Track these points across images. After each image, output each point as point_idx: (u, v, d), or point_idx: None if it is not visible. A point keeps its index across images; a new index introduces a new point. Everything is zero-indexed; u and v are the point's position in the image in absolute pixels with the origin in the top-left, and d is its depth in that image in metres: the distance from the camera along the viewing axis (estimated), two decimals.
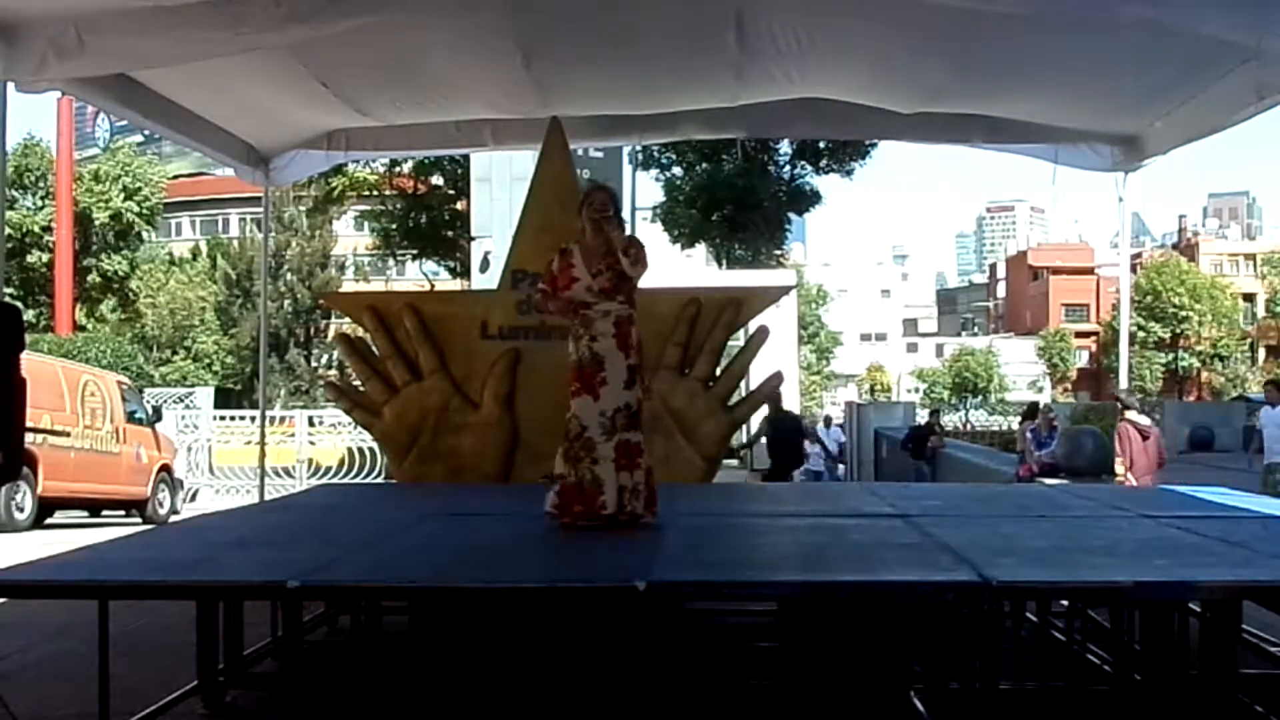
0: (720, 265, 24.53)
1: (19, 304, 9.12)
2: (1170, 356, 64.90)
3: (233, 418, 22.21)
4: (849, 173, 24.57)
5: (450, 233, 22.86)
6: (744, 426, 11.46)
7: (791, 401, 18.67)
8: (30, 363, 6.32)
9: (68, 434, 13.94)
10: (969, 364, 71.73)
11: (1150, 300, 63.04)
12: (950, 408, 54.52)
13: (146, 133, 34.20)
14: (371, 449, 18.28)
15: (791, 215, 26.44)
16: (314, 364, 38.69)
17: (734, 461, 15.23)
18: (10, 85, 6.23)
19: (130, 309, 41.43)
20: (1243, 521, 5.39)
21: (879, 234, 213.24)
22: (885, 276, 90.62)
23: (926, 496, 7.01)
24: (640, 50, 7.41)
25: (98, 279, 39.67)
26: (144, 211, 40.01)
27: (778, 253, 26.91)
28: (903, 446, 19.71)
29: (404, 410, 7.88)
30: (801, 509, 6.35)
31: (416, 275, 28.31)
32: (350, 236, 40.85)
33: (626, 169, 23.03)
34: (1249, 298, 72.09)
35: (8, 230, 15.24)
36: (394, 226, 23.47)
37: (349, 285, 39.57)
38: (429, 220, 23.02)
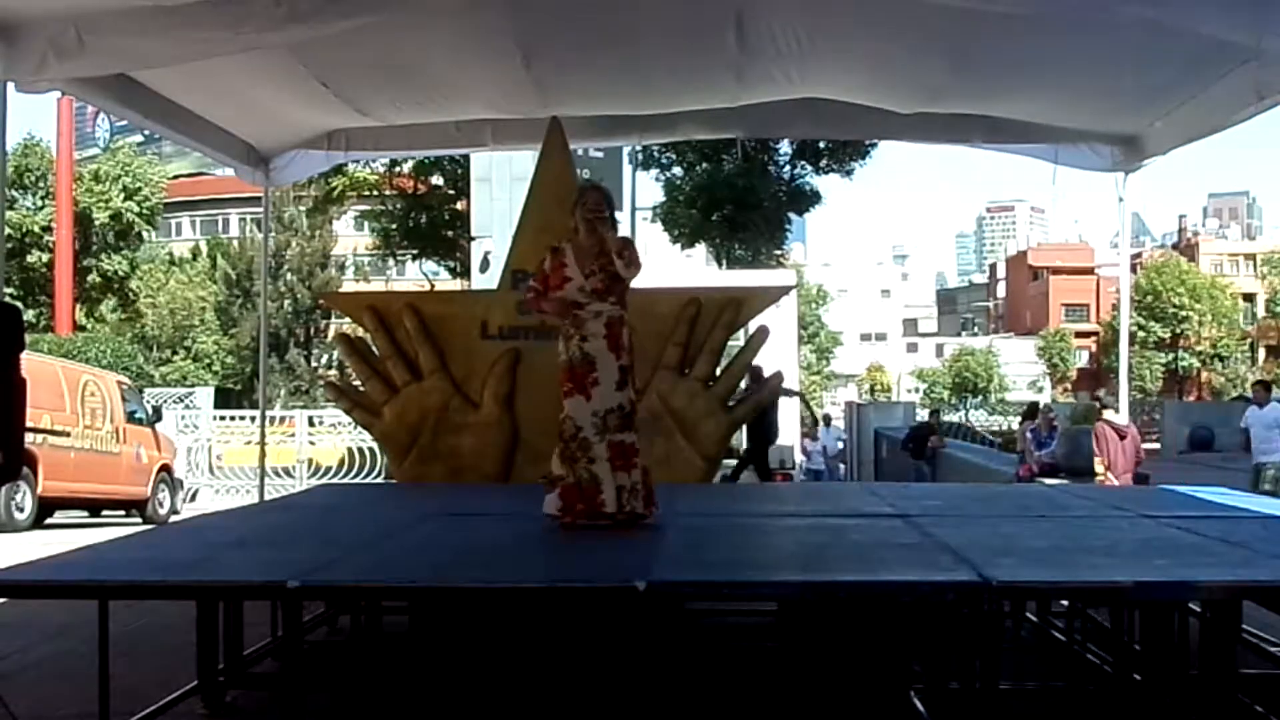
0: (720, 265, 24.52)
1: (19, 304, 9.11)
2: (1170, 356, 64.91)
3: (233, 418, 22.22)
4: (849, 173, 24.56)
5: (450, 233, 22.85)
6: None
7: (791, 403, 18.67)
8: (30, 363, 6.32)
9: (68, 434, 13.94)
10: (969, 364, 71.76)
11: (1150, 300, 63.04)
12: (950, 408, 54.54)
13: (146, 133, 34.23)
14: (371, 449, 18.28)
15: (791, 215, 26.42)
16: (314, 364, 38.68)
17: (733, 461, 15.19)
18: (10, 85, 6.22)
19: (130, 309, 41.43)
20: (1243, 521, 5.40)
21: (879, 234, 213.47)
22: (885, 276, 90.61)
23: (926, 496, 7.01)
24: (640, 50, 7.41)
25: (98, 279, 39.68)
26: (144, 211, 40.02)
27: (778, 253, 26.89)
28: (903, 446, 19.72)
29: (404, 410, 7.88)
30: (801, 509, 6.35)
31: (416, 275, 28.29)
32: (350, 236, 40.85)
33: (626, 169, 23.02)
34: (1249, 298, 72.09)
35: (8, 230, 15.23)
36: (394, 226, 23.46)
37: (349, 285, 39.57)
38: (429, 220, 23.01)
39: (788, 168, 24.71)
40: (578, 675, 4.66)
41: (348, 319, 10.99)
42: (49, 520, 14.28)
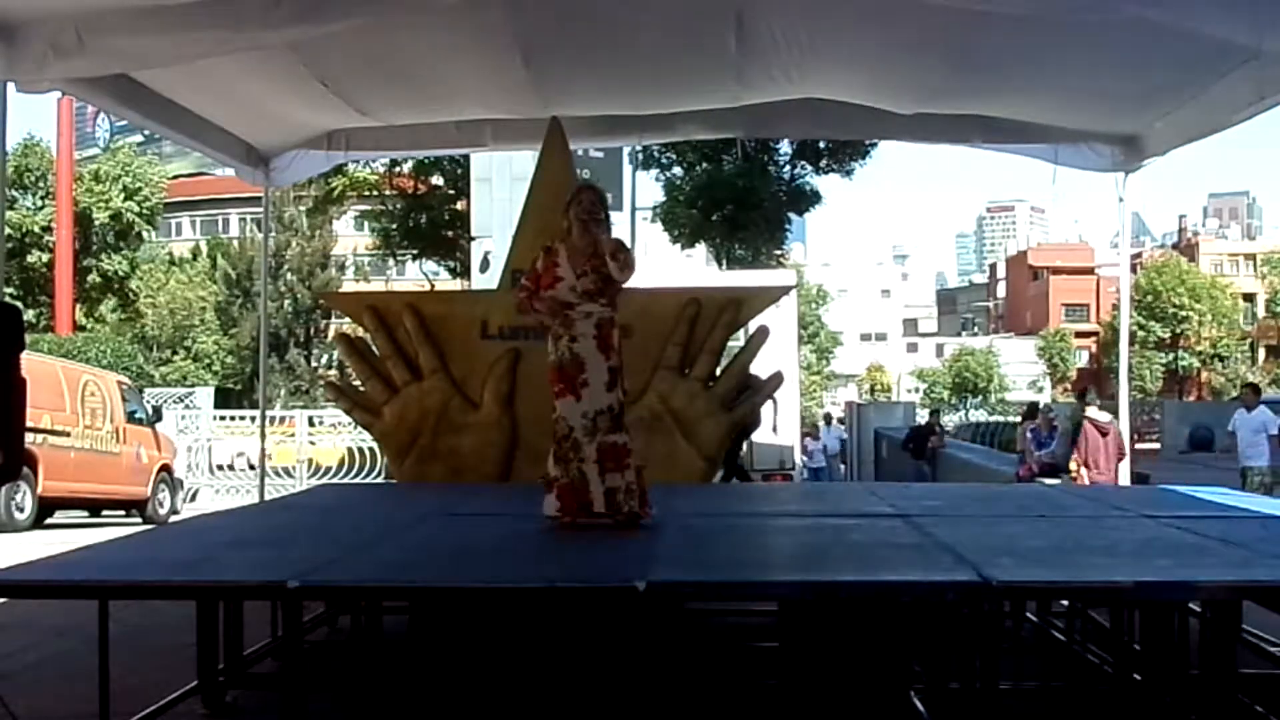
0: (720, 265, 24.49)
1: (19, 304, 9.11)
2: (1170, 356, 64.90)
3: (233, 418, 22.22)
4: (849, 173, 24.53)
5: (450, 233, 22.85)
6: None
7: (791, 402, 18.65)
8: (30, 363, 6.31)
9: (68, 434, 13.94)
10: (969, 364, 71.73)
11: (1150, 300, 63.02)
12: (950, 408, 54.53)
13: (146, 133, 34.24)
14: (371, 449, 18.27)
15: (791, 215, 26.39)
16: (314, 364, 38.71)
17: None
18: (10, 85, 6.22)
19: (130, 309, 41.43)
20: (1243, 521, 5.40)
21: (879, 234, 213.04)
22: (885, 276, 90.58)
23: (926, 496, 7.01)
24: (640, 50, 7.41)
25: (98, 279, 39.68)
26: (144, 211, 40.03)
27: (778, 253, 26.86)
28: (903, 446, 19.73)
29: (404, 410, 7.88)
30: (801, 509, 6.35)
31: (416, 275, 28.29)
32: (350, 236, 40.86)
33: (626, 169, 23.00)
34: (1249, 298, 72.08)
35: (8, 230, 15.23)
36: (394, 226, 23.46)
37: (349, 285, 39.59)
38: (429, 220, 23.01)
39: (788, 168, 24.69)
40: (578, 675, 4.66)
41: (348, 319, 10.99)
42: (49, 520, 14.28)
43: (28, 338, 5.16)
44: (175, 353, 41.21)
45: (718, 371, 7.93)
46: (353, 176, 23.14)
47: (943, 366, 74.95)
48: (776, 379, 8.12)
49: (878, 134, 12.52)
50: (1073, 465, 11.09)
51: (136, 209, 39.55)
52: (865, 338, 79.77)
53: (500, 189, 17.63)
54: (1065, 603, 5.52)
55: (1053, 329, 74.52)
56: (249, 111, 8.42)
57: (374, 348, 8.19)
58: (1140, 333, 59.37)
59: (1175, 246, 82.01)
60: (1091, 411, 11.21)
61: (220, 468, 20.24)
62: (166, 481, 16.50)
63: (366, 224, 28.61)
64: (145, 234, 41.97)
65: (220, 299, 41.39)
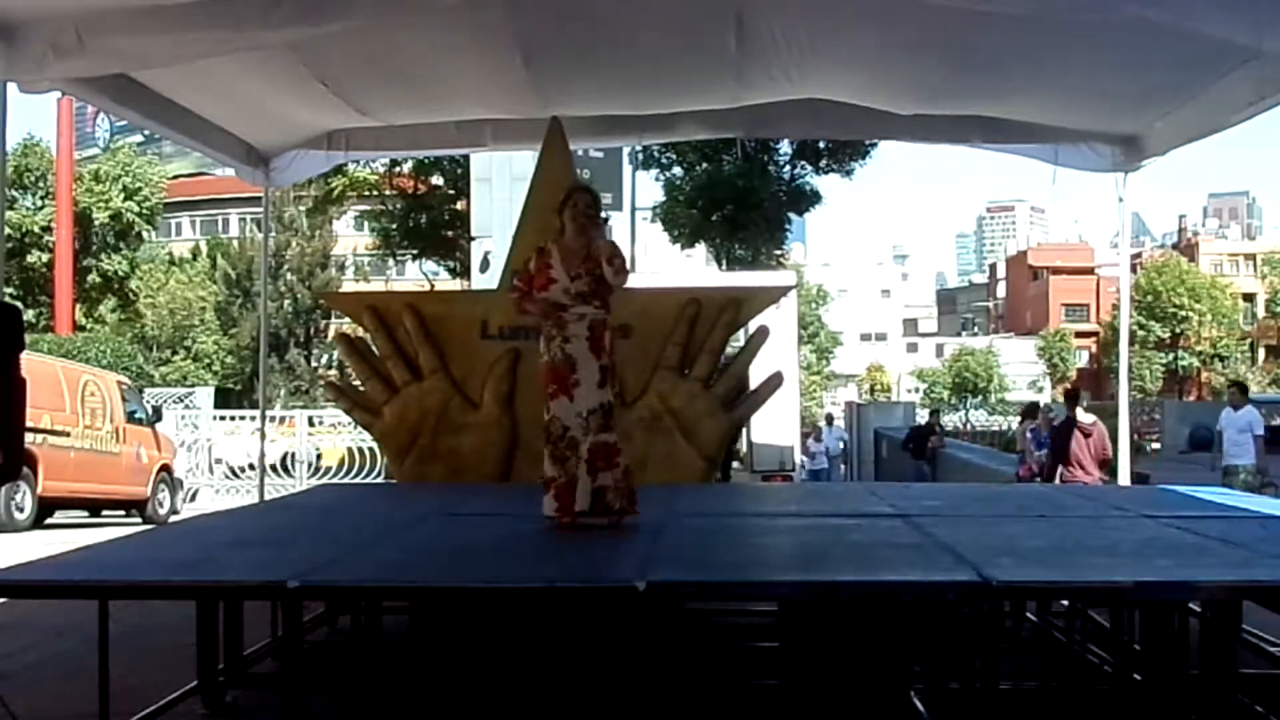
0: (720, 265, 24.50)
1: (19, 304, 9.11)
2: (1170, 356, 64.90)
3: (233, 418, 22.22)
4: (849, 173, 24.54)
5: (450, 233, 22.85)
6: None
7: (791, 403, 18.65)
8: (30, 363, 6.32)
9: (68, 434, 13.94)
10: (969, 364, 71.71)
11: (1150, 300, 63.02)
12: (950, 408, 54.51)
13: (146, 133, 34.22)
14: (371, 449, 18.28)
15: (791, 215, 26.39)
16: (314, 364, 38.71)
17: (735, 463, 15.21)
18: (11, 85, 6.22)
19: (130, 309, 41.43)
20: (1243, 521, 5.40)
21: (879, 234, 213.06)
22: (885, 276, 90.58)
23: (926, 496, 7.01)
24: (640, 50, 7.41)
25: (98, 279, 39.67)
26: (144, 211, 40.02)
27: (778, 253, 26.86)
28: (903, 446, 19.74)
29: (404, 410, 7.88)
30: (801, 509, 6.35)
31: (416, 275, 28.30)
32: (350, 236, 40.87)
33: (626, 169, 23.01)
34: (1249, 298, 72.08)
35: (8, 230, 15.23)
36: (394, 226, 23.46)
37: (349, 285, 39.60)
38: (429, 220, 23.01)
39: (788, 168, 24.69)
40: (578, 675, 4.66)
41: (348, 319, 10.98)
42: (49, 520, 14.28)
43: (28, 338, 5.16)
44: (175, 353, 41.21)
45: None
46: (353, 176, 23.14)
47: (943, 366, 74.95)
48: (776, 379, 8.12)
49: (878, 134, 12.52)
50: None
51: (136, 209, 39.54)
52: (865, 338, 79.79)
53: (500, 189, 17.63)
54: (1065, 603, 5.52)
55: (1053, 329, 74.52)
56: (249, 111, 8.41)
57: (374, 348, 8.19)
58: (1140, 333, 59.37)
59: (1175, 246, 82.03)
60: (1077, 413, 11.28)
61: (235, 471, 20.07)
62: (166, 481, 16.50)
63: (366, 224, 28.61)
64: (145, 234, 41.95)
65: (220, 299, 41.40)
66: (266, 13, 5.84)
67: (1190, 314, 64.48)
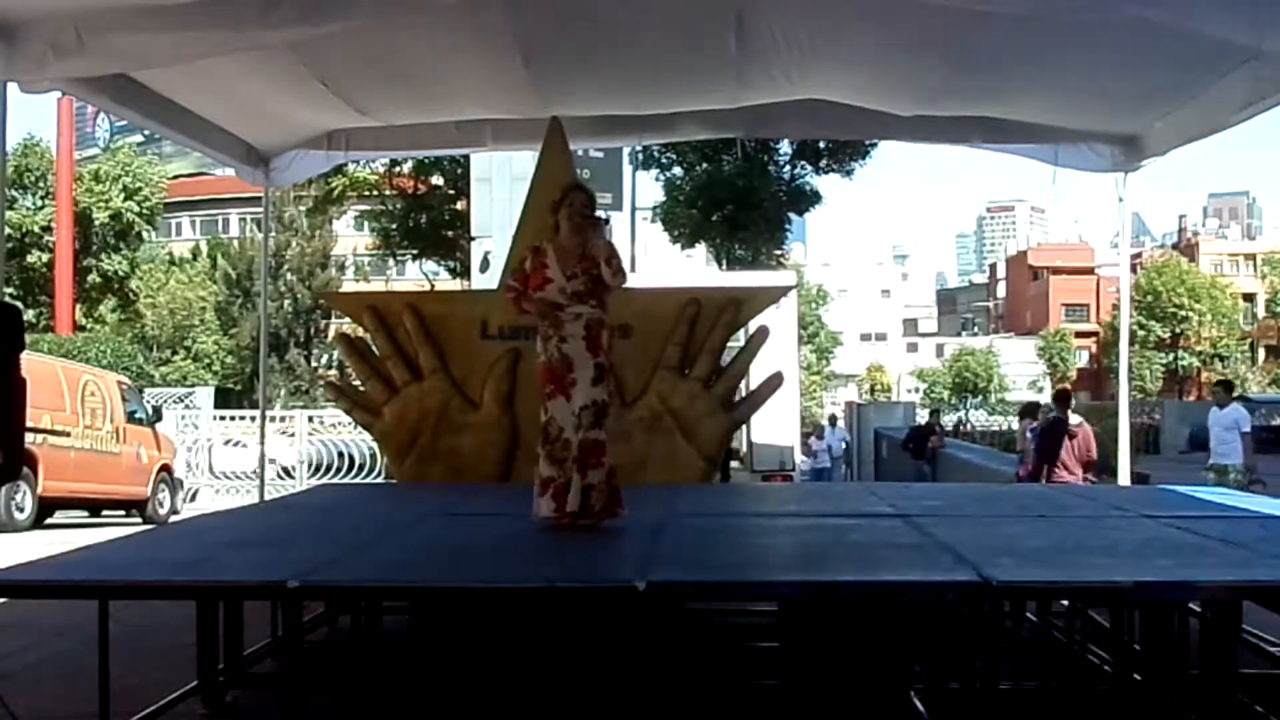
0: (720, 265, 24.49)
1: (19, 304, 9.11)
2: (1170, 356, 64.93)
3: (233, 418, 22.21)
4: (849, 173, 24.53)
5: (450, 233, 22.85)
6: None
7: (791, 403, 18.66)
8: (30, 363, 6.32)
9: (68, 434, 13.94)
10: (969, 364, 71.76)
11: (1150, 300, 63.04)
12: (950, 408, 54.54)
13: (146, 133, 34.22)
14: (372, 449, 18.26)
15: (791, 215, 26.37)
16: (314, 364, 38.72)
17: (735, 463, 15.21)
18: (11, 85, 6.22)
19: (130, 309, 41.43)
20: (1243, 521, 5.40)
21: (879, 234, 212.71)
22: (885, 276, 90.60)
23: (926, 496, 7.01)
24: (640, 50, 7.40)
25: (98, 279, 39.68)
26: (144, 211, 40.03)
27: (778, 253, 26.85)
28: (903, 446, 19.74)
29: (404, 410, 7.88)
30: (802, 509, 6.35)
31: (416, 275, 28.30)
32: (350, 236, 40.87)
33: (626, 169, 23.01)
34: (1249, 298, 72.10)
35: (8, 230, 15.22)
36: (394, 226, 23.45)
37: (349, 285, 39.60)
38: (429, 220, 23.00)
39: (788, 168, 24.68)
40: (578, 675, 4.66)
41: (348, 319, 10.98)
42: (49, 520, 14.28)
43: (28, 338, 5.16)
44: (175, 353, 41.22)
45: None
46: (353, 176, 23.13)
47: (943, 366, 74.98)
48: (776, 379, 8.12)
49: (878, 134, 12.51)
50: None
51: (136, 209, 39.55)
52: (865, 338, 79.81)
53: (500, 189, 17.62)
54: (1065, 603, 5.52)
55: (1053, 329, 74.53)
56: (249, 111, 8.41)
57: (374, 348, 8.19)
58: (1140, 333, 59.38)
59: (1175, 246, 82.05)
60: (1061, 414, 11.36)
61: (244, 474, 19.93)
62: (166, 481, 16.50)
63: (366, 224, 28.60)
64: (145, 234, 41.96)
65: (220, 299, 41.40)
66: (266, 13, 5.83)
67: (1190, 314, 64.50)
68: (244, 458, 19.36)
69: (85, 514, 15.62)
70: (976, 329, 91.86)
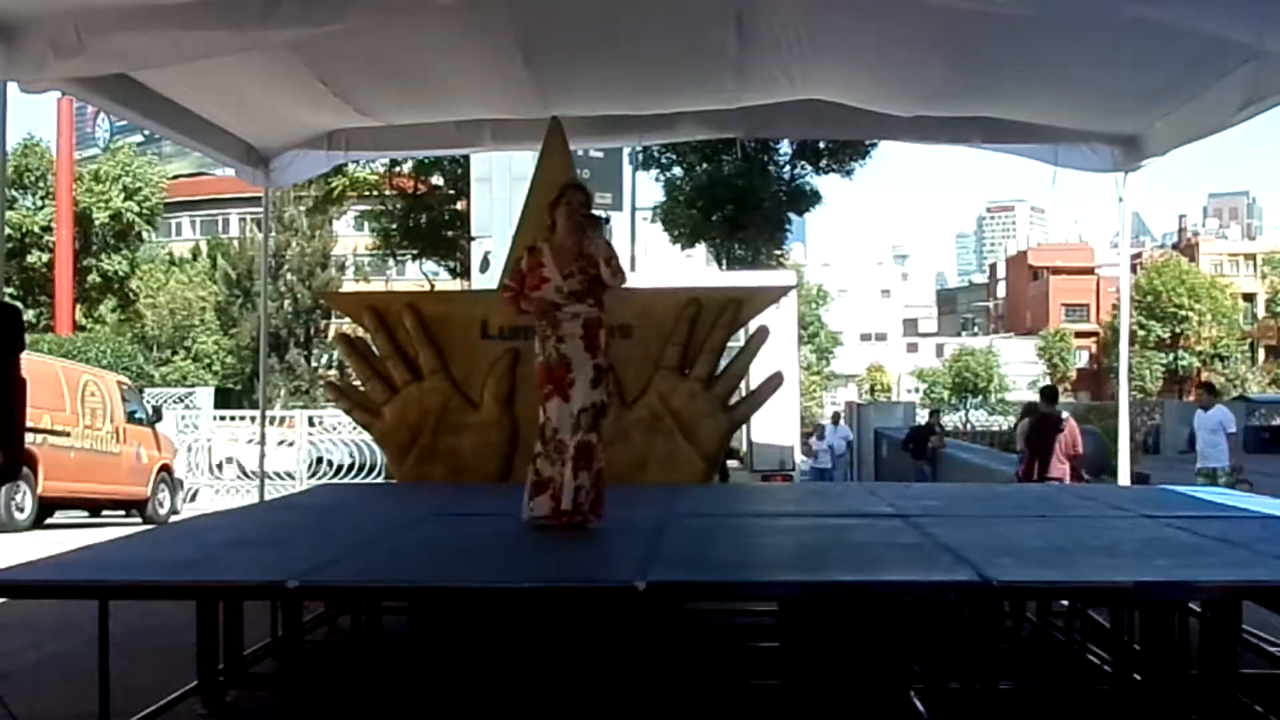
0: (720, 265, 24.49)
1: (19, 304, 9.11)
2: (1170, 356, 64.91)
3: (233, 418, 22.21)
4: (849, 173, 24.52)
5: (450, 233, 22.83)
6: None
7: (791, 403, 18.65)
8: (30, 363, 6.31)
9: (68, 434, 13.94)
10: (969, 364, 71.69)
11: (1150, 300, 63.02)
12: (950, 408, 54.51)
13: (146, 133, 34.20)
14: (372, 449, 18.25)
15: (791, 215, 26.37)
16: (314, 364, 38.70)
17: (734, 462, 15.21)
18: (11, 85, 6.22)
19: (130, 309, 41.42)
20: (1243, 521, 5.40)
21: (879, 234, 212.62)
22: (885, 276, 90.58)
23: (926, 496, 7.01)
24: (640, 50, 7.40)
25: (98, 279, 39.67)
26: (144, 211, 40.01)
27: (778, 253, 26.85)
28: (903, 446, 19.73)
29: (404, 410, 7.88)
30: (802, 509, 6.35)
31: (416, 275, 28.28)
32: (350, 236, 40.85)
33: (626, 169, 23.01)
34: (1249, 298, 72.08)
35: (8, 230, 15.23)
36: (394, 226, 23.44)
37: (349, 285, 39.57)
38: (429, 220, 22.99)
39: (788, 168, 24.68)
40: (578, 675, 4.66)
41: (348, 319, 10.98)
42: (49, 520, 14.28)
43: (28, 338, 5.16)
44: (175, 353, 41.19)
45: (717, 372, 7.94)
46: (353, 176, 23.11)
47: (943, 366, 74.92)
48: (776, 379, 8.12)
49: (878, 134, 12.51)
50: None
51: (136, 209, 39.53)
52: (865, 338, 79.79)
53: (500, 189, 17.62)
54: (1065, 603, 5.52)
55: (1053, 329, 74.50)
56: (249, 111, 8.41)
57: (374, 348, 8.19)
58: (1140, 333, 59.37)
59: (1175, 246, 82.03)
60: (1049, 410, 11.45)
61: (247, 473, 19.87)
62: (166, 481, 16.49)
63: (366, 224, 28.59)
64: (145, 234, 41.95)
65: (220, 299, 41.38)
66: (266, 13, 5.84)
67: (1190, 314, 64.48)
68: (288, 457, 19.47)
69: (85, 514, 15.62)
70: (976, 329, 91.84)
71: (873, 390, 69.79)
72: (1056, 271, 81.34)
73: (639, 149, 21.30)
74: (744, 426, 12.19)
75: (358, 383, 8.39)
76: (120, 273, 40.24)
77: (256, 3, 5.84)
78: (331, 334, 37.15)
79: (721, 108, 8.52)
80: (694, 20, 6.95)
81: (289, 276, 38.03)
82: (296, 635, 4.35)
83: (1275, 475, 13.84)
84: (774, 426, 15.37)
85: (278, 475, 18.36)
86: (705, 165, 23.61)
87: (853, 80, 7.99)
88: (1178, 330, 64.92)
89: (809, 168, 24.53)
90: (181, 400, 21.49)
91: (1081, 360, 73.17)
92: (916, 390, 68.31)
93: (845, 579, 3.87)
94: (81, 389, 14.63)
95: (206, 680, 4.67)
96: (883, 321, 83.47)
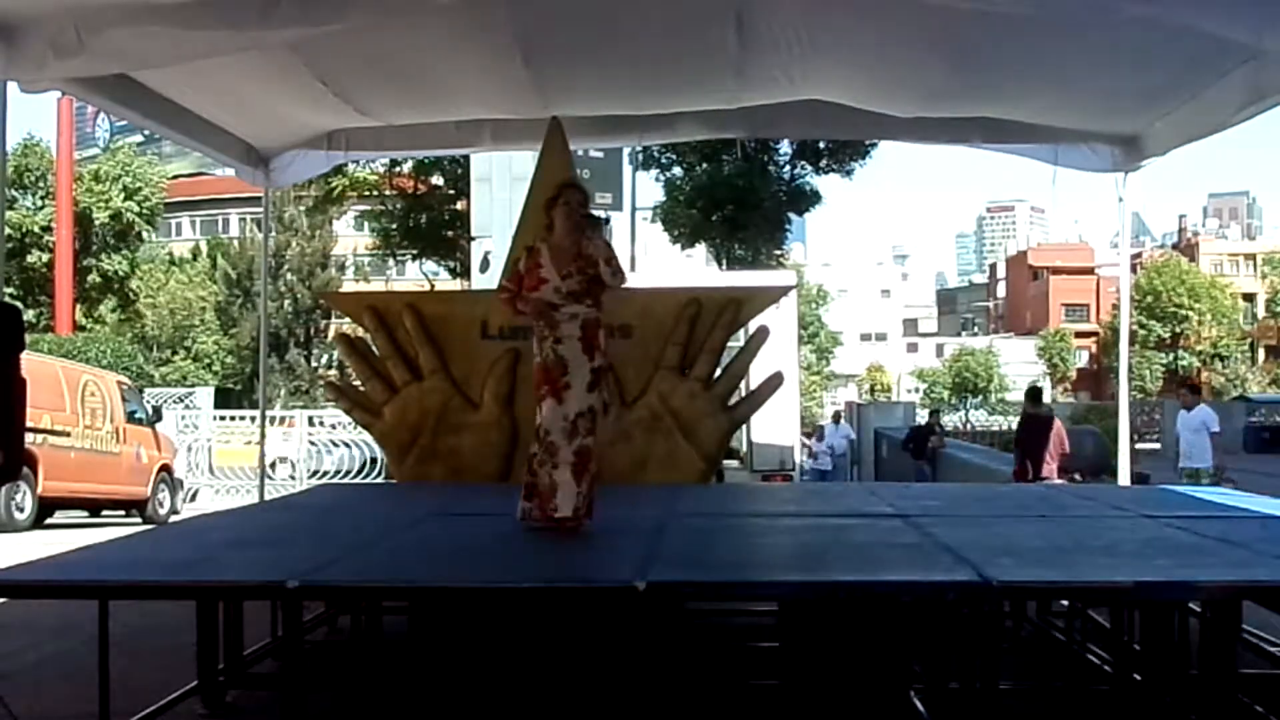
0: (720, 265, 24.48)
1: (19, 304, 9.11)
2: (1170, 356, 64.89)
3: (233, 418, 22.21)
4: (849, 173, 24.51)
5: (450, 233, 22.83)
6: None
7: (791, 402, 18.63)
8: (30, 363, 6.32)
9: (68, 434, 13.94)
10: (969, 364, 71.68)
11: (1150, 300, 63.02)
12: (950, 408, 54.51)
13: (146, 133, 34.20)
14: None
15: (791, 215, 26.36)
16: (314, 364, 38.70)
17: (734, 462, 15.19)
18: (11, 85, 6.22)
19: (130, 309, 41.42)
20: (1243, 521, 5.40)
21: (879, 234, 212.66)
22: (885, 276, 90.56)
23: (926, 496, 7.02)
24: (640, 50, 7.40)
25: (98, 279, 39.68)
26: (144, 211, 40.02)
27: (778, 253, 26.85)
28: (903, 446, 19.73)
29: (404, 410, 7.88)
30: (802, 509, 6.35)
31: (416, 275, 28.28)
32: (350, 236, 40.85)
33: (626, 169, 23.00)
34: (1249, 298, 72.07)
35: (8, 230, 15.22)
36: (394, 226, 23.43)
37: (349, 285, 39.57)
38: (429, 220, 22.98)
39: (788, 168, 24.68)
40: (577, 675, 4.66)
41: (348, 319, 10.98)
42: (49, 520, 14.28)
43: (28, 338, 5.16)
44: (175, 353, 41.20)
45: (718, 372, 7.94)
46: (353, 176, 23.11)
47: (943, 366, 74.90)
48: (776, 379, 8.12)
49: (878, 134, 12.50)
50: None
51: (136, 209, 39.54)
52: (865, 338, 79.76)
53: (500, 189, 17.62)
54: (1065, 603, 5.52)
55: (1053, 329, 74.51)
56: (249, 111, 8.41)
57: (374, 348, 8.19)
58: (1140, 333, 59.36)
59: (1175, 246, 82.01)
60: (1038, 409, 11.48)
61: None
62: (166, 481, 16.49)
63: (366, 224, 28.58)
64: (145, 234, 41.96)
65: (220, 299, 41.39)
66: (266, 13, 5.83)
67: (1190, 314, 64.48)
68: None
69: (85, 514, 15.62)
70: (976, 329, 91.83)
71: (873, 390, 69.77)
72: (1056, 271, 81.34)
73: (639, 149, 21.31)
74: (744, 426, 12.20)
75: (358, 383, 8.39)
76: (120, 273, 40.25)
77: (256, 3, 5.83)
78: (331, 334, 37.16)
79: (721, 108, 8.52)
80: (694, 20, 6.95)
81: (289, 276, 38.04)
82: (296, 635, 4.35)
83: (1275, 475, 13.84)
84: (774, 426, 15.35)
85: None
86: (705, 165, 23.61)
87: (852, 80, 7.99)
88: (1178, 330, 64.92)
89: (809, 168, 24.53)
90: (181, 400, 21.50)
91: (1081, 360, 73.18)
92: (916, 390, 68.29)
93: (845, 579, 3.87)
94: (81, 389, 14.63)
95: (206, 680, 4.67)
96: (883, 321, 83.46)
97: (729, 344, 8.22)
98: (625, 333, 7.49)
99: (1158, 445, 26.25)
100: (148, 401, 17.86)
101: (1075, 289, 79.48)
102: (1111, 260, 67.12)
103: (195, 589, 4.14)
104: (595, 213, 5.15)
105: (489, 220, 18.16)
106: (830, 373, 66.85)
